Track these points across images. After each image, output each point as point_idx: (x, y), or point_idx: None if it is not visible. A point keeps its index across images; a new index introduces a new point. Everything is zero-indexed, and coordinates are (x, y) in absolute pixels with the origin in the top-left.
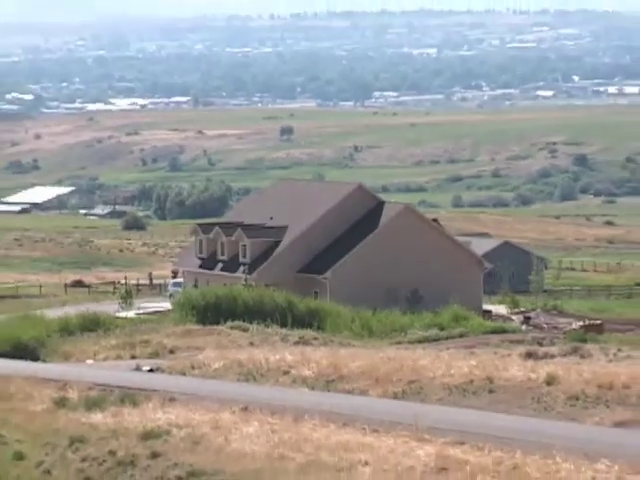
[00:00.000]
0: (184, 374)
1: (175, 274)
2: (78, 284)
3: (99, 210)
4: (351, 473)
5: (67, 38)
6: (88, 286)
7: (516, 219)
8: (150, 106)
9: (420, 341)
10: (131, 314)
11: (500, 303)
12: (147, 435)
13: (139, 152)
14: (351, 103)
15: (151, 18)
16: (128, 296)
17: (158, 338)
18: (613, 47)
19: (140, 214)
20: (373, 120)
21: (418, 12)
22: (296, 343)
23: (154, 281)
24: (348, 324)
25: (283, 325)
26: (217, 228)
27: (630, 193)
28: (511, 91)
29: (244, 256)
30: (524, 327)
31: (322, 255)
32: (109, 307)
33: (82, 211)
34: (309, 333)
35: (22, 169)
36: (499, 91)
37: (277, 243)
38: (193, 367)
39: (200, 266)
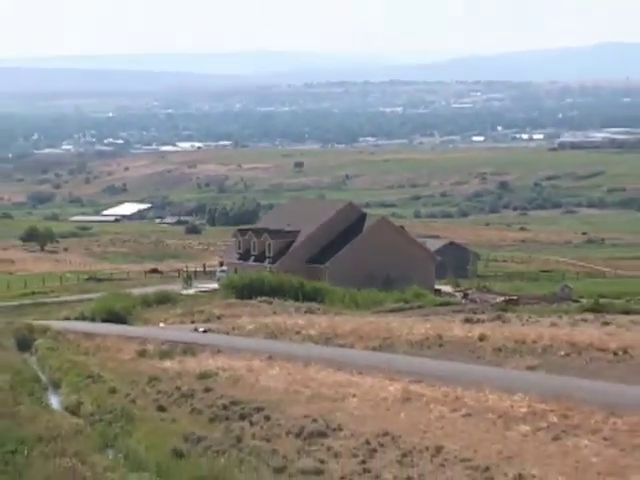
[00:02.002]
0: (228, 334)
1: (221, 264)
2: (154, 271)
3: (169, 220)
4: (344, 402)
5: (146, 100)
6: (161, 272)
7: (458, 226)
8: (204, 147)
9: (391, 311)
10: (191, 292)
11: (446, 284)
12: (202, 376)
13: (196, 179)
14: (343, 145)
15: (204, 87)
16: (189, 279)
17: (210, 309)
18: (525, 106)
19: (197, 222)
20: (359, 157)
21: (390, 82)
22: (305, 312)
23: (207, 269)
24: (341, 299)
25: (296, 299)
26: (250, 232)
27: (537, 208)
28: (454, 137)
29: (269, 252)
30: (463, 301)
31: (323, 251)
32: (175, 287)
33: (157, 220)
34: (314, 305)
35: (115, 191)
36: (446, 137)
37: (292, 242)
38: (234, 329)
39: (239, 258)
